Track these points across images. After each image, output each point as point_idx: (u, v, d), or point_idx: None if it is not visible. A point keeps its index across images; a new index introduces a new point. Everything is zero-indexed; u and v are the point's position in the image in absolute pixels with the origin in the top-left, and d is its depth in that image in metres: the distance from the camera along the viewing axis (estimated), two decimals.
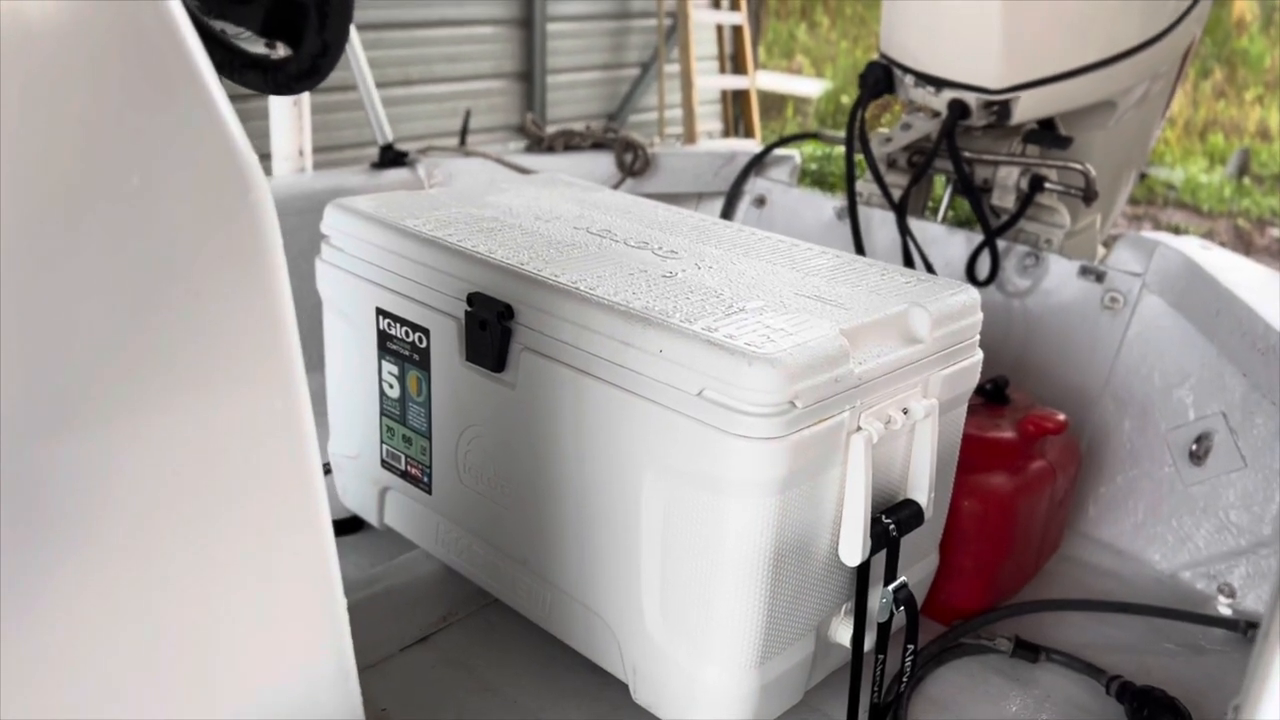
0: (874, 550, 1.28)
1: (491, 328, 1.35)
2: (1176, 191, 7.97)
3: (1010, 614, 1.67)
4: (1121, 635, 1.67)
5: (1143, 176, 8.14)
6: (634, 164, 2.46)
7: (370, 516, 1.70)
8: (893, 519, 1.30)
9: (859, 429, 1.23)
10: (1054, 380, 1.99)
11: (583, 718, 1.41)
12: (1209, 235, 6.68)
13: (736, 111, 7.96)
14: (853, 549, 1.25)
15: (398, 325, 1.50)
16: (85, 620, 0.73)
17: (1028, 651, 1.57)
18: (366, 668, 1.47)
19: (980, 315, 1.40)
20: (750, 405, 1.12)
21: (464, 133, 2.55)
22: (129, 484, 0.73)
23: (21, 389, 0.66)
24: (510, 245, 1.44)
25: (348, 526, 1.80)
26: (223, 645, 0.80)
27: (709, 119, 7.90)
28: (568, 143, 2.51)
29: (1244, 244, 6.91)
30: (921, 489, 1.34)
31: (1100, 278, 1.95)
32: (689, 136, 7.10)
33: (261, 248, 0.75)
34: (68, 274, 0.67)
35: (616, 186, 2.48)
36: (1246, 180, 8.20)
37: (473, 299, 1.37)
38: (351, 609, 1.59)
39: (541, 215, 1.61)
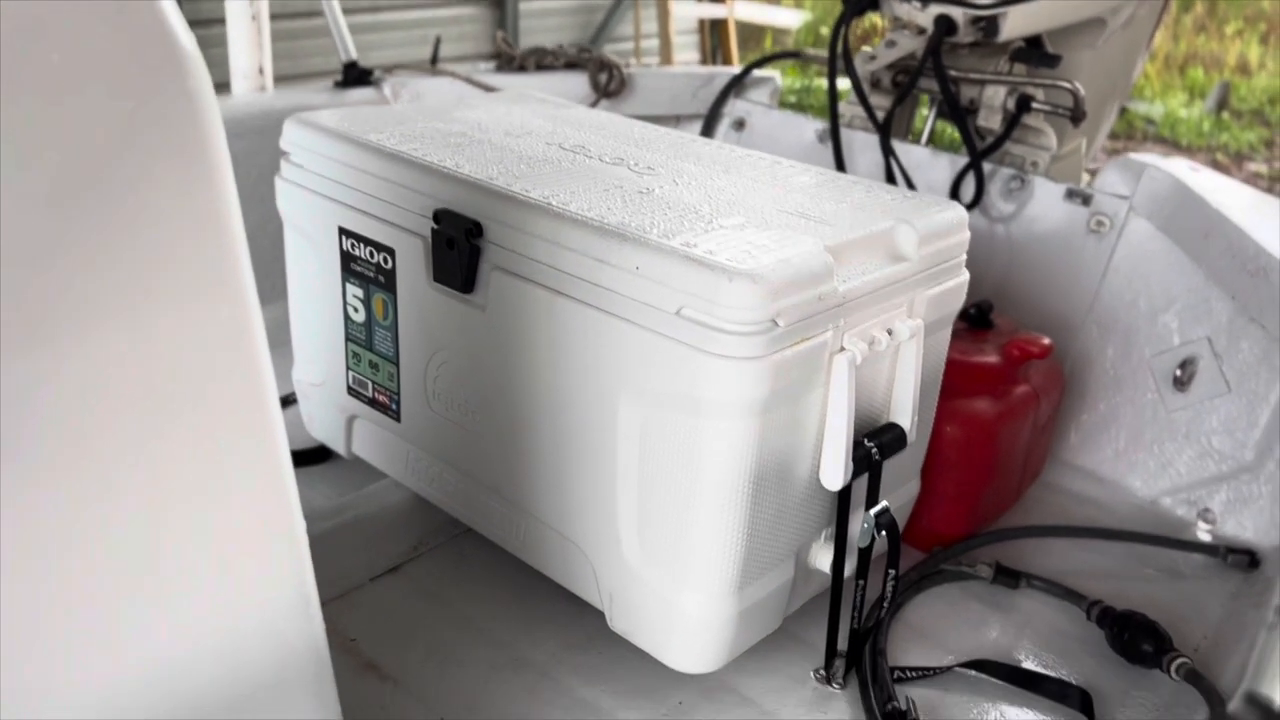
0: (856, 474, 1.25)
1: (459, 246, 1.29)
2: (1156, 126, 7.92)
3: (991, 540, 1.65)
4: (1102, 561, 1.65)
5: (1123, 110, 8.08)
6: (609, 84, 2.38)
7: (338, 446, 1.65)
8: (875, 442, 1.27)
9: (842, 349, 1.18)
10: (1038, 306, 1.95)
11: (557, 646, 1.38)
12: None
13: (714, 42, 7.80)
14: (834, 473, 1.22)
15: (361, 245, 1.43)
16: (27, 547, 0.68)
17: (1008, 578, 1.55)
18: (335, 598, 1.44)
19: (967, 233, 1.35)
20: (730, 323, 1.07)
21: (434, 60, 2.45)
22: (63, 404, 0.67)
23: None
24: (479, 161, 1.38)
25: (314, 456, 1.75)
26: (174, 571, 0.76)
27: (686, 49, 7.74)
28: (540, 62, 2.42)
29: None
30: (905, 412, 1.31)
31: (1087, 201, 1.90)
32: (665, 65, 6.95)
33: (202, 141, 0.69)
34: None
35: (591, 108, 2.40)
36: (1225, 115, 8.16)
37: (439, 216, 1.31)
38: (319, 539, 1.54)
39: (512, 131, 1.54)
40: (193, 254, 0.71)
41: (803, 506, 1.25)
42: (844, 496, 1.27)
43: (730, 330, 1.08)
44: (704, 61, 7.75)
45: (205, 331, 0.73)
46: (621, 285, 1.15)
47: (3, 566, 0.66)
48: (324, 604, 1.43)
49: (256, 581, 0.81)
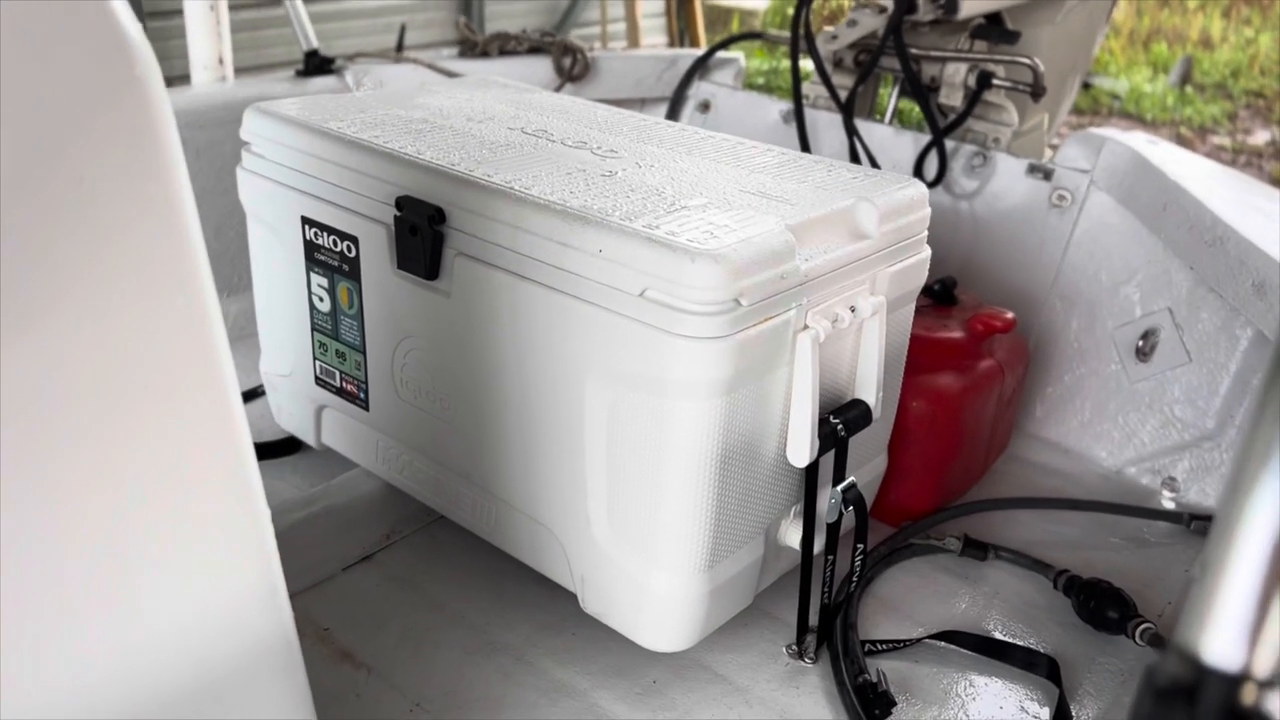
0: (822, 451, 1.26)
1: (422, 233, 1.29)
2: (1121, 101, 7.98)
3: (959, 514, 1.67)
4: (1068, 532, 1.68)
5: (1087, 86, 8.14)
6: (573, 68, 2.37)
7: (307, 436, 1.64)
8: (841, 419, 1.28)
9: (806, 327, 1.19)
10: (1002, 281, 1.97)
11: (531, 629, 1.39)
12: None
13: (681, 25, 7.78)
14: (800, 450, 1.23)
15: (325, 234, 1.43)
16: None
17: (976, 550, 1.57)
18: (308, 588, 1.44)
19: (928, 210, 1.37)
20: (694, 304, 1.08)
21: (399, 48, 2.43)
22: (17, 397, 0.67)
23: None
24: (440, 147, 1.37)
25: (284, 448, 1.74)
26: (136, 562, 0.76)
27: (653, 33, 7.72)
28: (503, 47, 2.40)
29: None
30: (869, 388, 1.32)
31: (1048, 175, 1.92)
32: (632, 48, 6.93)
33: (152, 129, 0.69)
34: None
35: (555, 92, 2.39)
36: (1189, 89, 8.23)
37: (402, 203, 1.31)
38: (290, 529, 1.54)
39: (474, 116, 1.54)
40: (146, 244, 0.71)
41: (771, 484, 1.26)
42: (811, 473, 1.29)
43: (694, 311, 1.08)
44: (671, 45, 7.73)
45: (161, 322, 0.73)
46: (585, 268, 1.15)
47: None
48: (296, 595, 1.43)
49: (221, 571, 0.81)
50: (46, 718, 0.72)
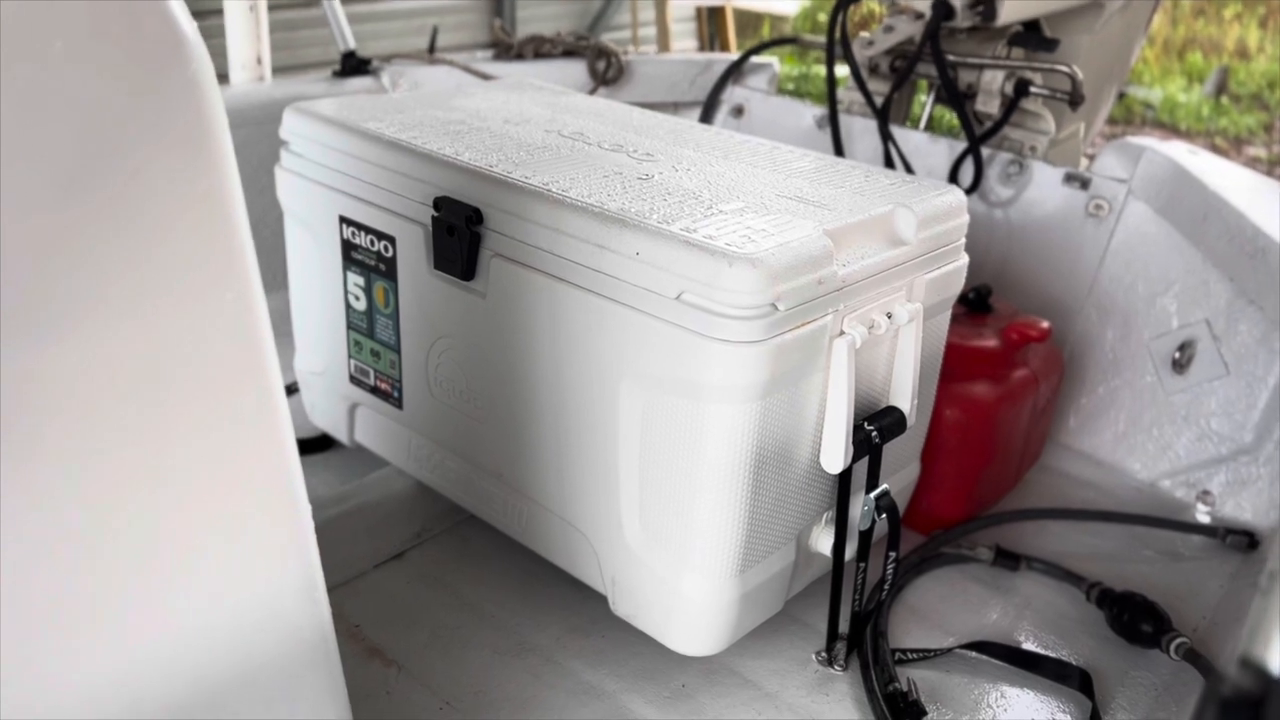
0: (856, 458, 1.25)
1: (460, 233, 1.29)
2: (1155, 111, 7.91)
3: (991, 524, 1.66)
4: (1101, 544, 1.66)
5: (1121, 96, 8.07)
6: (607, 72, 2.38)
7: (340, 434, 1.65)
8: (875, 426, 1.27)
9: (842, 333, 1.19)
10: (1037, 290, 1.95)
11: (561, 631, 1.39)
12: None
13: (712, 30, 7.78)
14: (834, 456, 1.22)
15: (362, 234, 1.44)
16: (36, 532, 0.68)
17: (1008, 560, 1.56)
18: (339, 585, 1.45)
19: (966, 217, 1.36)
20: (730, 308, 1.08)
21: (431, 50, 2.45)
22: (70, 391, 0.68)
23: None
24: (478, 148, 1.38)
25: (317, 445, 1.76)
26: (182, 554, 0.77)
27: (684, 37, 7.72)
28: (538, 50, 2.41)
29: None
30: (904, 395, 1.31)
31: (1085, 185, 1.90)
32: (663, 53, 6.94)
33: (205, 127, 0.70)
34: None
35: (590, 95, 2.39)
36: (1224, 99, 8.14)
37: (439, 204, 1.31)
38: (322, 527, 1.55)
39: (511, 119, 1.54)
40: (197, 239, 0.72)
41: (804, 490, 1.26)
42: (844, 480, 1.28)
43: (730, 314, 1.08)
44: (702, 49, 7.73)
45: (210, 317, 0.74)
46: (622, 271, 1.15)
47: (14, 551, 0.67)
48: (328, 591, 1.44)
49: (263, 566, 0.81)
50: (90, 705, 0.73)
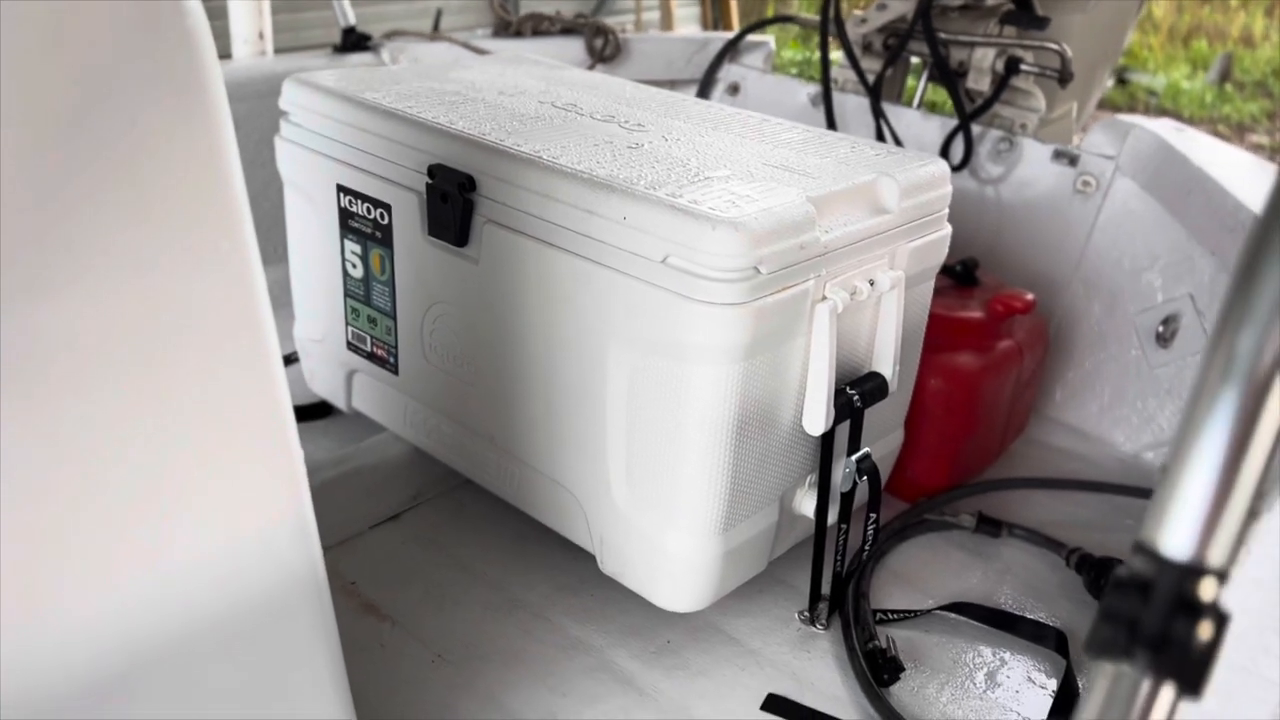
0: (837, 421, 1.28)
1: (453, 200, 1.33)
2: (1158, 98, 7.90)
3: (974, 492, 1.69)
4: (1084, 513, 1.69)
5: (1124, 81, 8.06)
6: (604, 49, 2.40)
7: (338, 400, 1.69)
8: (857, 390, 1.30)
9: (824, 298, 1.22)
10: (1025, 266, 1.98)
11: (551, 589, 1.43)
12: None
13: (716, 12, 7.77)
14: (816, 418, 1.26)
15: (359, 202, 1.47)
16: (40, 472, 0.72)
17: (990, 527, 1.59)
18: (336, 544, 1.49)
19: (949, 188, 1.39)
20: (714, 270, 1.11)
21: (435, 29, 2.47)
22: (74, 342, 0.71)
23: None
24: (472, 117, 1.41)
25: (316, 412, 1.79)
26: (178, 493, 0.80)
27: (688, 21, 7.72)
28: (536, 27, 2.44)
29: None
30: (886, 361, 1.34)
31: (1074, 161, 1.93)
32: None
33: (200, 78, 0.73)
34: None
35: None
36: (1228, 86, 8.13)
37: (434, 171, 1.34)
38: (320, 488, 1.59)
39: (506, 90, 1.57)
40: (191, 190, 0.75)
41: (786, 452, 1.29)
42: (827, 442, 1.31)
43: (713, 277, 1.11)
44: (705, 32, 7.73)
45: (206, 269, 0.77)
46: (609, 235, 1.18)
47: (15, 482, 0.70)
48: (325, 550, 1.47)
49: (255, 507, 0.85)
50: (83, 634, 0.76)
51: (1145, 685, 0.41)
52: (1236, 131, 7.28)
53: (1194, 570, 0.40)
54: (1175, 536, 0.41)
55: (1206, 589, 0.40)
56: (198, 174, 0.75)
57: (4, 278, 0.66)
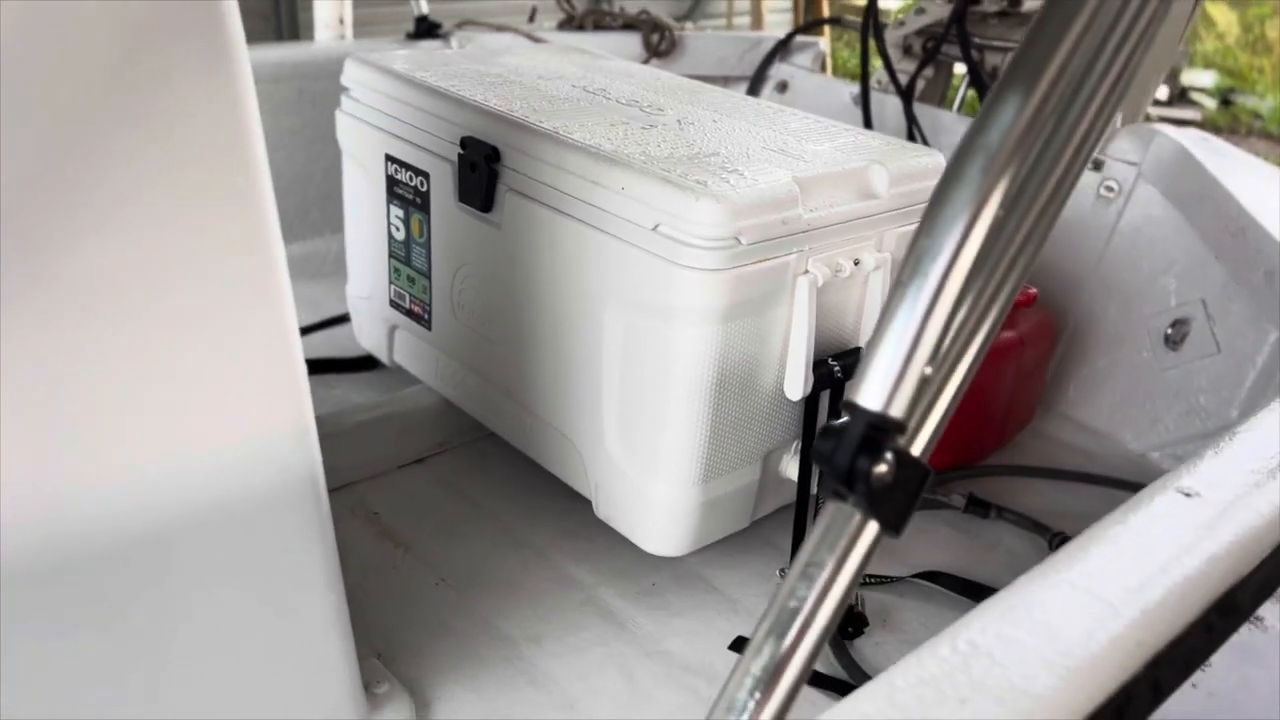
0: (819, 389, 1.38)
1: (480, 169, 1.46)
2: (1263, 121, 7.68)
3: (971, 475, 1.76)
4: (1080, 504, 1.75)
5: (1226, 102, 7.85)
6: (660, 44, 2.52)
7: (381, 354, 1.84)
8: (840, 363, 1.40)
9: (806, 272, 1.32)
10: (1046, 265, 2.04)
11: (553, 533, 1.56)
12: None
13: (808, 15, 7.82)
14: (794, 384, 1.36)
15: (403, 170, 1.62)
16: (69, 371, 0.86)
17: (979, 508, 1.66)
18: (364, 479, 1.64)
19: None
20: (697, 238, 1.22)
21: (531, 20, 2.63)
22: (116, 260, 0.86)
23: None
24: (506, 97, 1.55)
25: (363, 364, 1.95)
26: (185, 387, 0.93)
27: (778, 29, 7.79)
28: (598, 22, 2.58)
29: None
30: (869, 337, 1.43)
31: (1098, 166, 1.98)
32: None
33: (222, 34, 0.87)
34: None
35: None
36: None
37: (465, 143, 1.48)
38: (355, 429, 1.75)
39: (544, 75, 1.71)
40: (215, 138, 0.89)
41: (768, 415, 1.39)
42: (809, 409, 1.41)
43: (697, 244, 1.22)
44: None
45: (227, 203, 0.91)
46: (610, 204, 1.30)
47: (64, 384, 0.85)
48: (354, 484, 1.63)
49: (262, 408, 0.98)
50: (101, 504, 0.90)
51: (854, 521, 0.52)
52: None
53: (879, 419, 0.51)
54: (868, 392, 0.51)
55: (890, 437, 0.50)
56: (221, 127, 0.90)
57: (57, 216, 0.81)
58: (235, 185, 0.91)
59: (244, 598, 1.00)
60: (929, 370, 0.50)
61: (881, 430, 0.50)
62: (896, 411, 0.51)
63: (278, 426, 1.00)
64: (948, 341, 0.51)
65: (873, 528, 0.52)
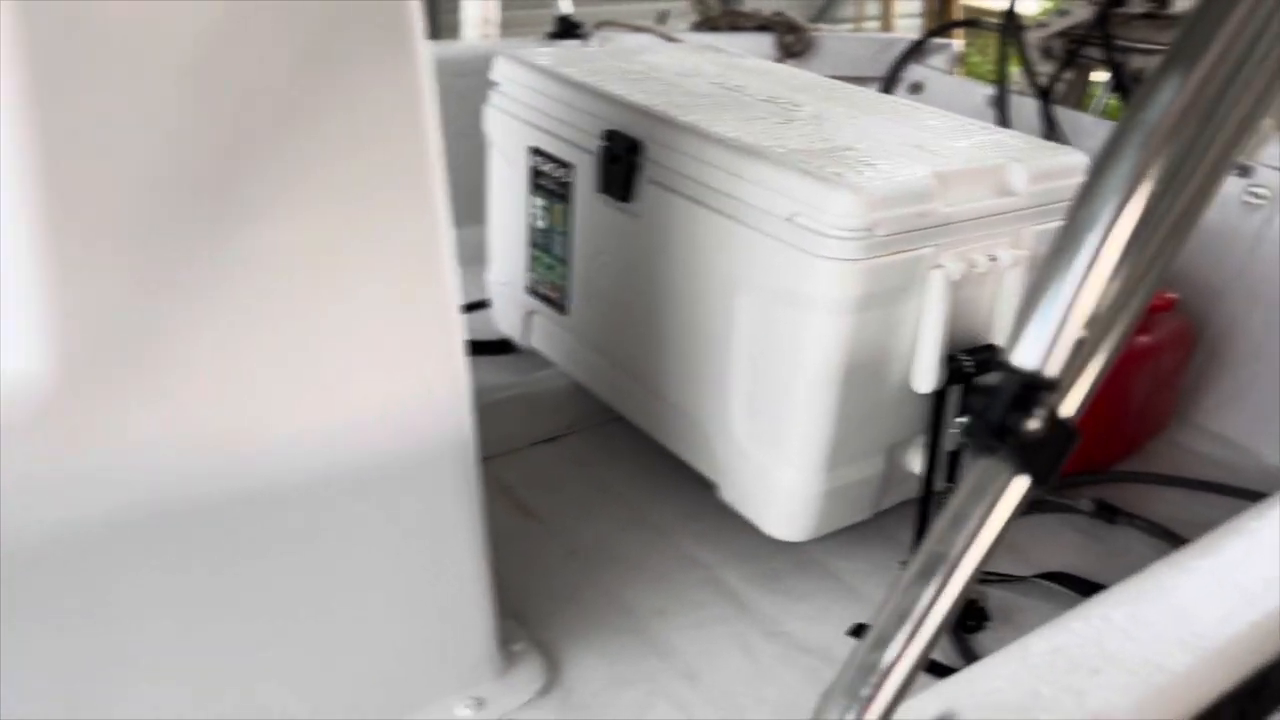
0: (949, 383, 1.39)
1: (622, 161, 1.52)
2: None
3: (1100, 481, 1.74)
4: (1212, 515, 1.68)
5: None
6: (794, 45, 2.55)
7: (518, 338, 1.92)
8: (971, 358, 1.41)
9: (940, 266, 1.33)
10: (1187, 271, 1.99)
11: (677, 515, 1.60)
12: None
13: (941, 18, 7.70)
14: (924, 376, 1.37)
15: (547, 162, 1.69)
16: (266, 338, 0.96)
17: (1107, 513, 1.64)
18: (499, 454, 1.72)
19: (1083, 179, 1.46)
20: (832, 229, 1.26)
21: (662, 21, 2.69)
22: (302, 237, 0.94)
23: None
24: (648, 92, 1.60)
25: (501, 348, 2.04)
26: (357, 352, 1.01)
27: (908, 32, 7.69)
28: (733, 23, 2.62)
29: None
30: (1003, 334, 1.44)
31: (1245, 172, 1.93)
32: None
33: (405, 32, 0.94)
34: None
35: None
36: None
37: (608, 136, 1.55)
38: (492, 406, 1.84)
39: (683, 72, 1.76)
40: (393, 125, 0.97)
41: (896, 406, 1.41)
42: (938, 402, 1.42)
43: (832, 235, 1.26)
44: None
45: (401, 186, 0.99)
46: (748, 195, 1.35)
47: (240, 341, 0.94)
48: (489, 459, 1.71)
49: (422, 371, 1.06)
50: (276, 458, 0.99)
51: (1003, 475, 0.54)
52: None
53: (1033, 378, 0.53)
54: (1023, 351, 0.54)
55: (1042, 396, 0.53)
56: (401, 113, 0.97)
57: (257, 192, 0.90)
58: (412, 167, 0.98)
59: (401, 546, 1.08)
60: (1084, 333, 0.53)
61: (1034, 389, 0.53)
62: (1051, 371, 0.54)
63: (439, 392, 1.08)
64: (1104, 308, 0.53)
65: (1021, 482, 0.55)
